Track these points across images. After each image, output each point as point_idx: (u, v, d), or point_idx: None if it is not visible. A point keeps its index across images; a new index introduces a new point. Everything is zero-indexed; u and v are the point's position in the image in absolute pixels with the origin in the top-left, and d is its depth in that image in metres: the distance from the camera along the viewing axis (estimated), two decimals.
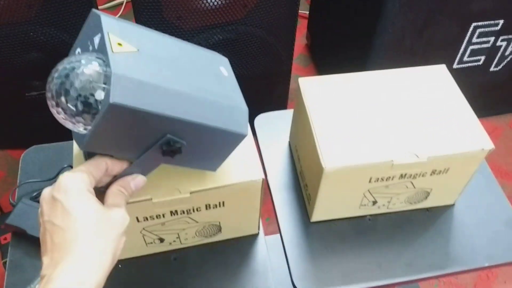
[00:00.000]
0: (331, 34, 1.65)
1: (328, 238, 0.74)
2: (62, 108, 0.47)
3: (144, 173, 0.55)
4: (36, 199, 0.75)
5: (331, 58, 1.67)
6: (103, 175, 0.52)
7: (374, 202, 0.73)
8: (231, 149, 0.59)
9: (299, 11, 1.91)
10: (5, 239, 1.33)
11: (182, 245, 0.71)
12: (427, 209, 0.77)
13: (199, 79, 0.56)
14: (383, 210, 0.75)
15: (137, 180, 0.54)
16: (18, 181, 0.79)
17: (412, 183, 0.70)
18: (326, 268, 0.71)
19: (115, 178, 0.53)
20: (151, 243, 0.69)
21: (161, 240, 0.69)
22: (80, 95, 0.46)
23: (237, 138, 0.57)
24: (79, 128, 0.49)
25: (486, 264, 0.72)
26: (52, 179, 0.77)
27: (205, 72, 0.58)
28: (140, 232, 0.66)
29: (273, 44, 1.26)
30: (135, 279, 0.70)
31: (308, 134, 0.69)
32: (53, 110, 0.48)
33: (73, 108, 0.46)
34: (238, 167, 0.63)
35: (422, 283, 1.33)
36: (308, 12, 1.85)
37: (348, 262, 0.72)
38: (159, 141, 0.51)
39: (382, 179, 0.68)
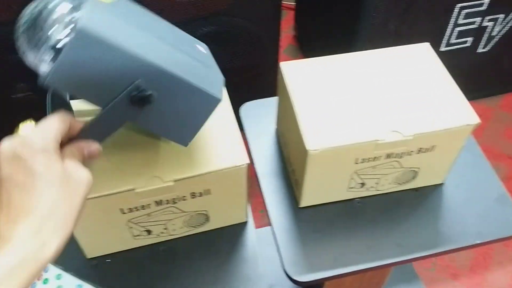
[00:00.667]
0: (318, 23, 1.65)
1: (318, 222, 0.74)
2: (29, 41, 0.46)
3: (110, 128, 0.51)
4: None
5: (319, 48, 1.66)
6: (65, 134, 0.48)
7: (362, 184, 0.73)
8: (204, 116, 0.55)
9: (286, 2, 1.91)
10: None
11: (170, 236, 0.71)
12: (416, 189, 0.76)
13: (177, 41, 0.55)
14: (372, 192, 0.75)
15: (92, 147, 0.49)
16: None
17: (399, 163, 0.69)
18: (317, 252, 0.70)
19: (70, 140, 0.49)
20: (138, 235, 0.68)
21: (149, 232, 0.68)
22: (51, 28, 0.45)
23: (211, 102, 0.54)
24: (45, 66, 0.47)
25: (478, 241, 0.71)
26: None
27: (182, 41, 0.58)
28: (126, 225, 0.65)
29: (258, 34, 1.26)
30: (124, 272, 0.69)
31: (291, 118, 0.68)
32: (21, 45, 0.47)
33: (41, 41, 0.45)
34: (222, 153, 0.63)
35: (419, 268, 1.33)
36: (295, 3, 1.84)
37: (338, 245, 0.71)
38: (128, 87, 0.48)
39: (368, 160, 0.67)
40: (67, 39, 0.45)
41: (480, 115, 0.66)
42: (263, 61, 1.35)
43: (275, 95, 0.81)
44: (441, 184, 0.77)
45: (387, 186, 0.74)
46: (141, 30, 0.51)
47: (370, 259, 0.69)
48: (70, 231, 0.43)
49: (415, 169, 0.72)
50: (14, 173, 0.42)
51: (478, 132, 0.67)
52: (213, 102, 0.54)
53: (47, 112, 0.52)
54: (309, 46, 1.80)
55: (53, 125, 0.45)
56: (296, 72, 0.72)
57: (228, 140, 0.64)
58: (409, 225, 0.73)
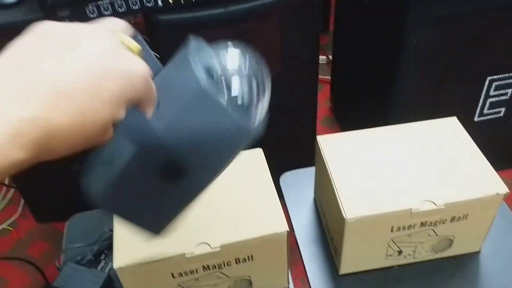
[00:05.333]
0: (353, 96, 1.72)
1: None
2: None
3: None
4: (80, 262, 0.80)
5: (354, 119, 1.72)
6: None
7: (400, 252, 0.75)
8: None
9: (322, 76, 2.01)
10: None
11: None
12: (453, 257, 0.78)
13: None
14: (409, 259, 0.77)
15: None
16: (63, 246, 0.85)
17: (434, 231, 0.72)
18: None
19: None
20: None
21: None
22: None
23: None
24: None
25: None
26: (95, 243, 0.83)
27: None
28: None
29: (296, 108, 1.33)
30: None
31: (329, 188, 0.73)
32: None
33: None
34: (264, 221, 0.68)
35: None
36: (330, 77, 1.94)
37: None
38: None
39: (404, 228, 0.70)
40: None
41: None
42: (301, 132, 1.42)
43: (313, 164, 0.86)
44: (477, 252, 0.79)
45: (424, 254, 0.76)
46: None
47: None
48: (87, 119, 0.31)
49: (451, 237, 0.74)
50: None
51: None
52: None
53: None
54: (345, 118, 1.87)
55: None
56: (332, 145, 0.78)
57: (268, 208, 0.70)
58: None
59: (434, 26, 1.18)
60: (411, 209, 0.68)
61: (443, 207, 0.68)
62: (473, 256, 0.79)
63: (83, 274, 0.77)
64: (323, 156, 0.76)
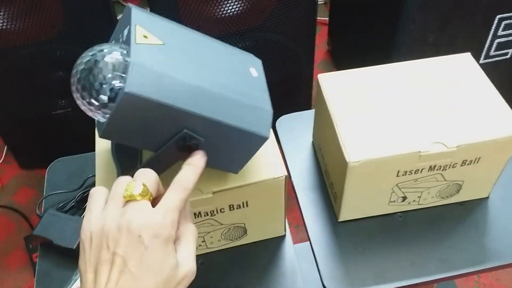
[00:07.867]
0: (352, 38, 1.64)
1: (358, 237, 0.72)
2: (81, 96, 0.48)
3: (161, 169, 0.54)
4: (61, 209, 0.75)
5: (353, 62, 1.65)
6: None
7: (404, 198, 0.71)
8: (252, 151, 0.57)
9: (320, 18, 1.91)
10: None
11: (208, 249, 0.70)
12: (460, 203, 0.74)
13: (224, 77, 0.55)
14: (414, 206, 0.73)
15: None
16: (44, 193, 0.80)
17: (442, 176, 0.67)
18: (357, 268, 0.69)
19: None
20: None
21: None
22: (98, 83, 0.47)
23: (257, 140, 0.55)
24: (98, 116, 0.49)
25: None
26: (77, 190, 0.77)
27: (231, 70, 0.57)
28: None
29: (292, 49, 1.26)
30: None
31: (330, 129, 0.67)
32: (75, 96, 0.48)
33: (91, 96, 0.47)
34: (260, 165, 0.62)
35: (461, 286, 1.28)
36: (328, 19, 1.85)
37: (379, 261, 0.69)
38: (176, 135, 0.50)
39: (411, 172, 0.65)
40: (118, 83, 0.46)
41: None
42: (298, 75, 1.35)
43: (309, 109, 0.80)
44: (486, 198, 0.75)
45: (430, 200, 0.72)
46: (189, 70, 0.51)
47: (413, 275, 0.67)
48: None
49: (459, 182, 0.69)
50: (129, 257, 0.40)
51: None
52: (260, 140, 0.55)
53: (111, 150, 0.56)
54: (343, 61, 1.80)
55: (174, 199, 0.45)
56: (334, 83, 0.72)
57: (265, 152, 0.64)
58: (453, 240, 0.70)
59: None
60: (419, 151, 0.62)
61: (455, 149, 0.63)
62: (481, 202, 0.74)
63: (65, 221, 0.72)
64: (324, 95, 0.70)
